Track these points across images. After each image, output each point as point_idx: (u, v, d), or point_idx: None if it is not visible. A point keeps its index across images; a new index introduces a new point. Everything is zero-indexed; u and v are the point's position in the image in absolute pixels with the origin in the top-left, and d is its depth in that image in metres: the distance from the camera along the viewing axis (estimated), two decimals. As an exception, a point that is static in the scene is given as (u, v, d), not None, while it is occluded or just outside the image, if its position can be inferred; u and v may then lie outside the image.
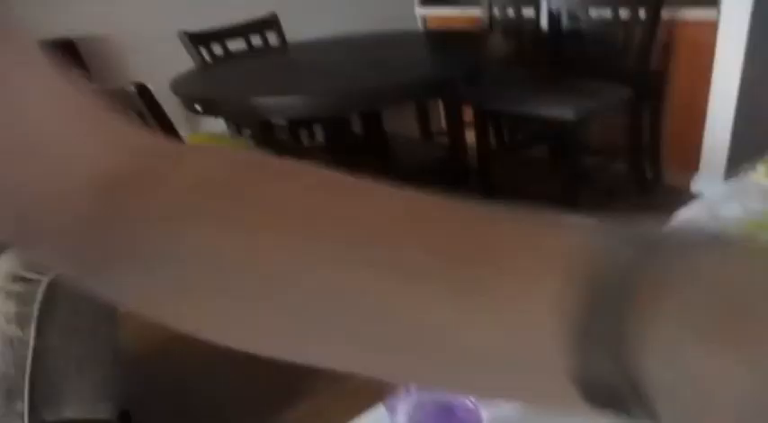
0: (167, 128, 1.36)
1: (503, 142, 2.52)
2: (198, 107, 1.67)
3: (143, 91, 1.27)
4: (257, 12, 2.44)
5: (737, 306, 0.13)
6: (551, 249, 0.16)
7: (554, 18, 2.18)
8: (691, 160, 2.12)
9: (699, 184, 2.12)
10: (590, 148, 2.13)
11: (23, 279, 0.95)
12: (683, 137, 2.13)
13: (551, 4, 2.17)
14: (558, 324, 0.14)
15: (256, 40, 2.46)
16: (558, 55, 2.23)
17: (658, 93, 2.13)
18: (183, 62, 2.19)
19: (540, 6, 2.20)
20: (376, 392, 0.44)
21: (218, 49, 2.34)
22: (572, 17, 2.15)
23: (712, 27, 1.90)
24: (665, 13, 1.99)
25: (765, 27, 1.82)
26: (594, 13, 2.10)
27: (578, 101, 1.84)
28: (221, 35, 2.34)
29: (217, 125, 2.48)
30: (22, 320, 0.95)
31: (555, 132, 2.10)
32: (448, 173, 2.08)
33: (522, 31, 2.37)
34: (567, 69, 2.21)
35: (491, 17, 2.47)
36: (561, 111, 1.83)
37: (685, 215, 0.75)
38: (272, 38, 2.51)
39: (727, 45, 1.88)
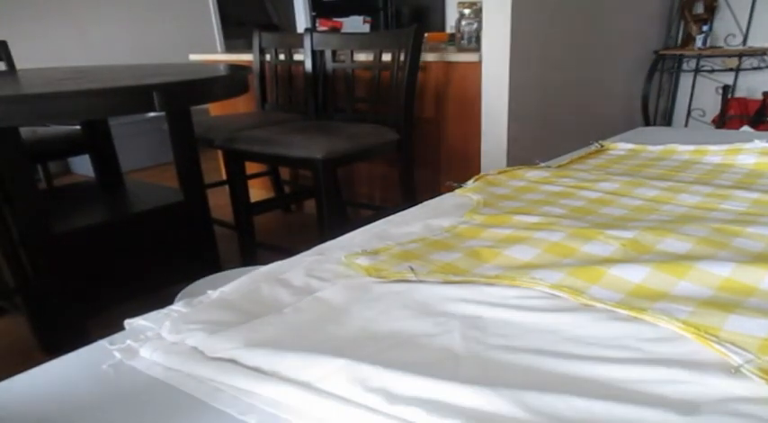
0: None
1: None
2: None
3: None
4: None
5: None
6: None
7: (317, 60, 2.06)
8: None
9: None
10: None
11: None
12: (458, 174, 2.05)
13: (315, 46, 2.04)
14: None
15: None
16: (324, 96, 2.09)
17: (428, 135, 2.06)
18: None
19: (306, 48, 2.06)
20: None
21: None
22: (336, 59, 2.03)
23: (476, 68, 1.86)
24: (432, 57, 1.94)
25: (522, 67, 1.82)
26: (358, 55, 2.01)
27: (330, 144, 1.66)
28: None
29: None
30: None
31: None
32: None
33: (291, 75, 2.23)
34: (335, 111, 2.08)
35: (262, 62, 2.31)
36: (310, 152, 1.64)
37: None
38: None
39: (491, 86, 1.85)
